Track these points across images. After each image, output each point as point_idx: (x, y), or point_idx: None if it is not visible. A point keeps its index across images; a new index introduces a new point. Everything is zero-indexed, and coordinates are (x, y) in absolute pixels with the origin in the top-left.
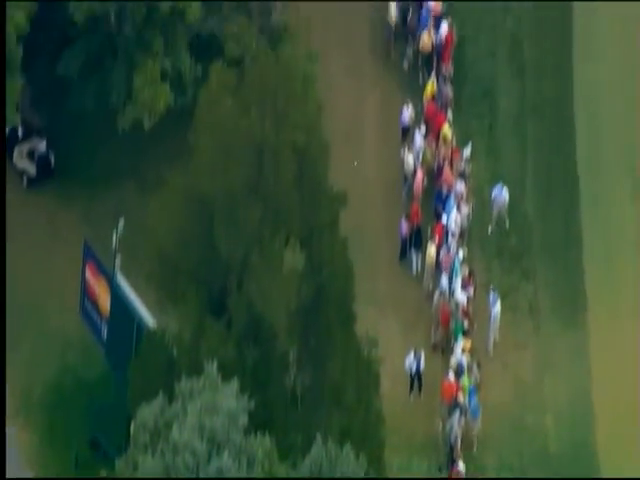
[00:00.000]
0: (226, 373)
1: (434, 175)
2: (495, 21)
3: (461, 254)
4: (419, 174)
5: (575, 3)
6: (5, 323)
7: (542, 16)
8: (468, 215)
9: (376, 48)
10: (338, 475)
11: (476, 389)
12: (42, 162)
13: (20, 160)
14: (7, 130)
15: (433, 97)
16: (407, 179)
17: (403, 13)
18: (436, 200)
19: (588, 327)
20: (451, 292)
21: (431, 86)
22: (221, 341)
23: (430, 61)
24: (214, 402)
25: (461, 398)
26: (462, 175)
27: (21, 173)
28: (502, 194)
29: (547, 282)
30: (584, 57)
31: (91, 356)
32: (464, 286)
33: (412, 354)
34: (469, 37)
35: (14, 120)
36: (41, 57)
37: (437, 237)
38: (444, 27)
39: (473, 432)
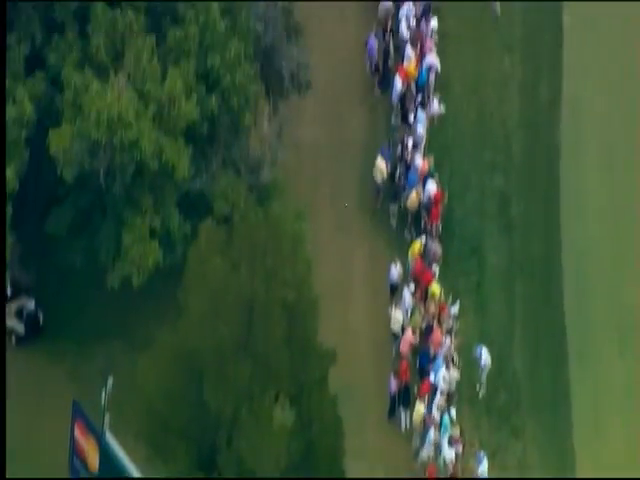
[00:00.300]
0: None
1: (422, 332)
2: (482, 178)
3: (449, 412)
4: (408, 332)
5: (563, 158)
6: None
7: (530, 173)
8: (456, 373)
9: (364, 205)
10: None
11: None
12: (31, 320)
13: (9, 319)
14: None
15: (420, 255)
16: (396, 336)
17: (391, 171)
18: (424, 358)
19: None
20: (439, 450)
21: (418, 245)
22: None
23: (418, 218)
24: None
25: None
26: (450, 332)
27: (10, 332)
28: (482, 355)
29: (536, 439)
30: (572, 214)
31: None
32: (452, 444)
33: None
34: (456, 195)
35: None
36: (30, 215)
37: (425, 395)
38: (432, 186)
39: None
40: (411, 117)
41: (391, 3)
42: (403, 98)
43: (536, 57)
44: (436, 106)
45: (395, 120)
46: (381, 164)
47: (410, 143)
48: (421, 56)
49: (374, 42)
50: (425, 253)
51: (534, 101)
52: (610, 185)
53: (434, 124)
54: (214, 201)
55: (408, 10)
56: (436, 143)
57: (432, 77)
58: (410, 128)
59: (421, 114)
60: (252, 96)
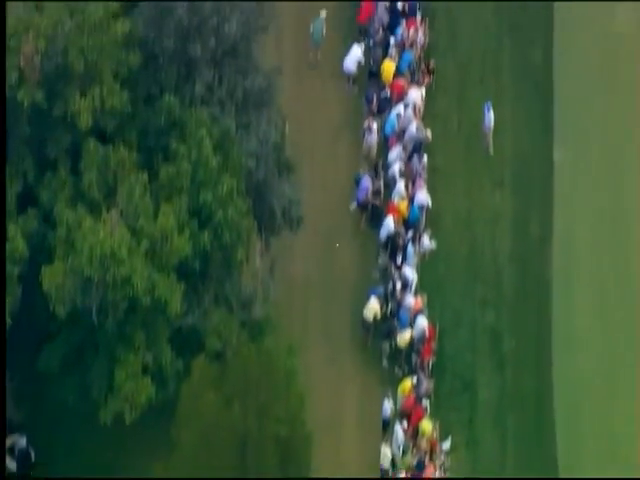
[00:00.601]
0: None
1: (414, 469)
2: (474, 314)
3: None
4: (400, 474)
5: (554, 293)
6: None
7: (521, 309)
8: None
9: (355, 340)
10: None
11: None
12: (22, 457)
13: None
14: None
15: (411, 392)
16: (385, 472)
17: (382, 309)
18: None
19: None
20: None
21: (409, 383)
22: None
23: (409, 353)
24: None
25: None
26: (442, 468)
27: None
28: None
29: None
30: (564, 350)
31: None
32: None
33: None
34: (448, 330)
35: None
36: (22, 352)
37: None
38: (423, 322)
39: None
40: (399, 258)
41: (375, 140)
42: (394, 237)
43: (527, 192)
44: (427, 242)
45: (382, 259)
46: (374, 304)
47: (399, 284)
48: (412, 194)
49: (368, 182)
50: (416, 389)
51: (525, 236)
52: (602, 320)
53: (425, 260)
54: (206, 337)
55: (399, 153)
56: (427, 279)
57: (423, 214)
58: (400, 268)
59: (411, 252)
60: (244, 232)
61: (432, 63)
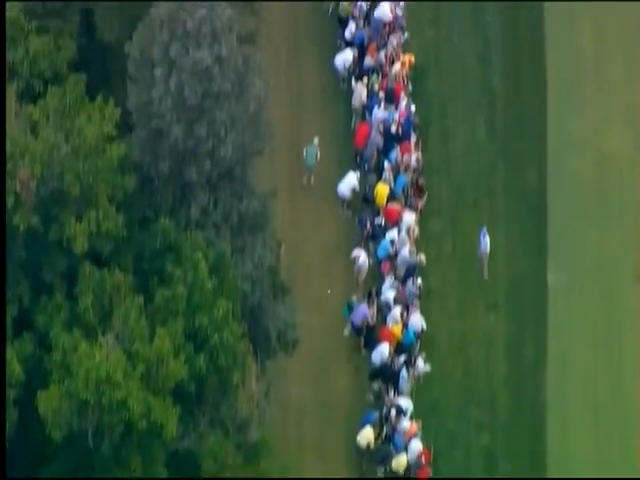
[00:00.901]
0: None
1: None
2: (469, 437)
3: None
4: None
5: (549, 415)
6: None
7: (516, 431)
8: None
9: (350, 463)
10: None
11: None
12: None
13: None
14: None
15: None
16: None
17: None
18: None
19: None
20: None
21: None
22: None
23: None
24: None
25: None
26: None
27: None
28: None
29: None
30: (559, 471)
31: None
32: None
33: None
34: (443, 453)
35: None
36: (18, 476)
37: None
38: (417, 445)
39: None
40: (393, 386)
41: (365, 268)
42: (388, 364)
43: (521, 315)
44: (421, 365)
45: (376, 384)
46: (369, 433)
47: (394, 411)
48: (406, 319)
49: (365, 309)
50: None
51: (520, 359)
52: (596, 444)
53: (420, 382)
54: (202, 460)
55: (392, 281)
56: (422, 401)
57: (418, 338)
58: (394, 395)
59: (405, 378)
60: (240, 355)
61: (421, 180)
